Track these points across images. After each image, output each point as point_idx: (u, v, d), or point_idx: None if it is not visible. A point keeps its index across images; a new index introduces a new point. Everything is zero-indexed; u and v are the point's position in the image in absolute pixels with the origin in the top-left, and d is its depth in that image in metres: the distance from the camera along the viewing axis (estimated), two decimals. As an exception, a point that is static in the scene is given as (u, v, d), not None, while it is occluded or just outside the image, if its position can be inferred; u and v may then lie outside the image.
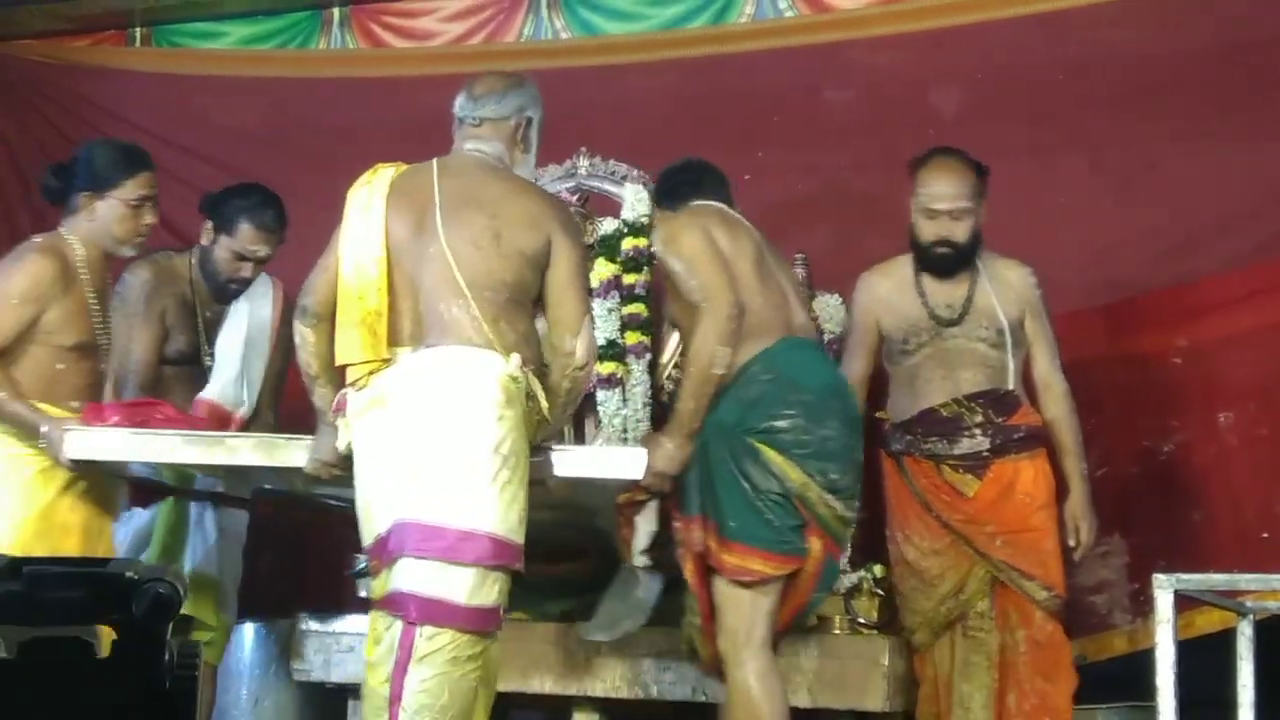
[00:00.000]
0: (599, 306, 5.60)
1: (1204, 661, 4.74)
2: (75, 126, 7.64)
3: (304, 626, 5.59)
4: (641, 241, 5.64)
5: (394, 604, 4.07)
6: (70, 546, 4.57)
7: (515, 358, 4.14)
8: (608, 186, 5.82)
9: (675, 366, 5.77)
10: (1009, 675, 5.05)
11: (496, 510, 4.05)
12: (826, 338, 5.56)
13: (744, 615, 4.53)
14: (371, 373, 4.19)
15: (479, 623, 4.06)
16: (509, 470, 4.08)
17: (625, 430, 5.47)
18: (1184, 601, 4.33)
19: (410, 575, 4.04)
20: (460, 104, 4.48)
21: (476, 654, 4.06)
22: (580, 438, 5.53)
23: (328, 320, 4.29)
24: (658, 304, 5.79)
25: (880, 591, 5.25)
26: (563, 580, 5.27)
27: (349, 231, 4.29)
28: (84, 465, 4.58)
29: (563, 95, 6.83)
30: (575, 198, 5.81)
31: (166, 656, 1.24)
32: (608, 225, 5.71)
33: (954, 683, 5.06)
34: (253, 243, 5.20)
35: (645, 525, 4.69)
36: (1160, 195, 5.43)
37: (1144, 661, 4.63)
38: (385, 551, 4.11)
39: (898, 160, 6.02)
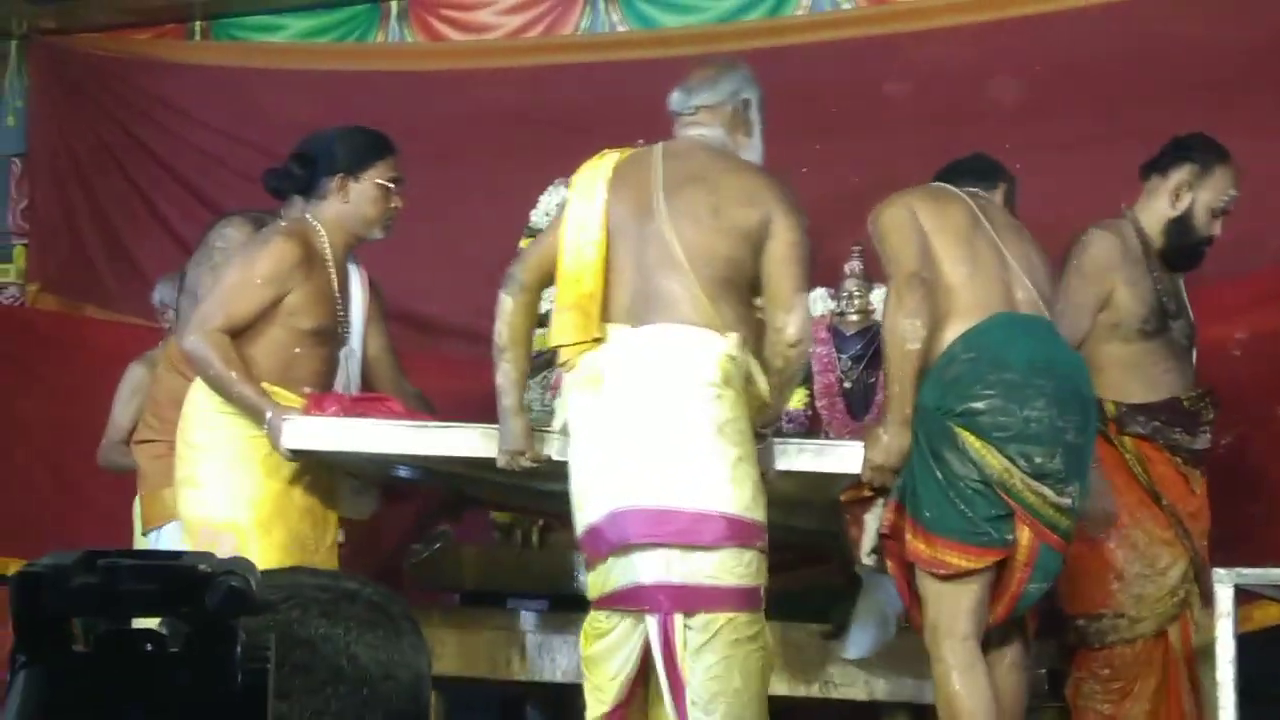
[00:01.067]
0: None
1: (1263, 656, 4.73)
2: (135, 119, 7.72)
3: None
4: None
5: (634, 599, 3.99)
6: (305, 529, 4.59)
7: (734, 336, 4.06)
8: (664, 179, 5.82)
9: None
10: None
11: (729, 488, 3.95)
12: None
13: (944, 610, 4.26)
14: (581, 353, 4.12)
15: (744, 602, 3.97)
16: (737, 447, 3.98)
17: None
18: (1243, 595, 4.31)
19: (650, 565, 3.95)
20: (675, 98, 4.41)
21: (756, 634, 3.99)
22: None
23: (531, 292, 4.28)
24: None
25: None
26: (811, 588, 5.16)
27: (570, 216, 4.24)
28: (302, 455, 4.55)
29: (619, 88, 6.88)
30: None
31: (238, 650, 1.26)
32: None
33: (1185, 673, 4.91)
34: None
35: (875, 523, 4.43)
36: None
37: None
38: (603, 541, 4.02)
39: (955, 152, 6.00)
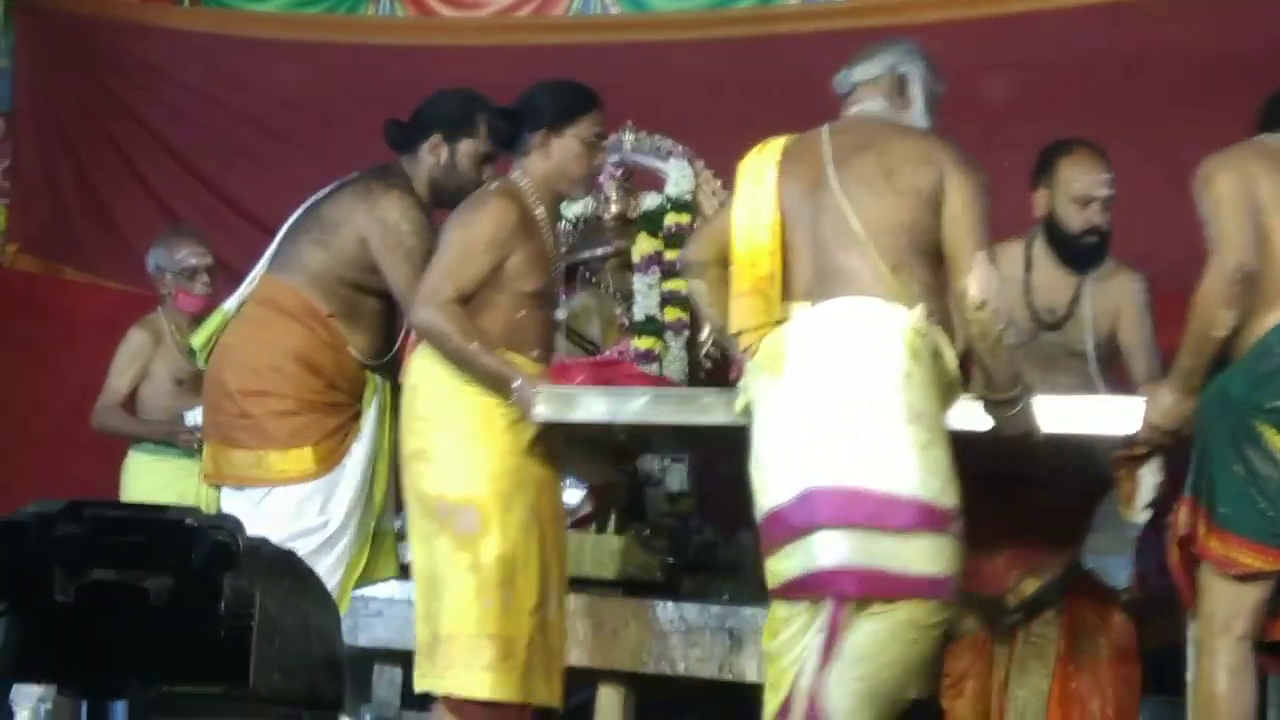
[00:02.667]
0: (639, 282, 5.60)
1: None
2: (121, 82, 7.70)
3: (333, 590, 5.60)
4: (684, 218, 5.64)
5: (813, 585, 3.86)
6: (542, 503, 4.48)
7: (920, 308, 3.92)
8: (652, 162, 5.81)
9: (714, 344, 5.77)
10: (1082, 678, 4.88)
11: (918, 474, 3.82)
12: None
13: (1224, 604, 4.06)
14: (762, 336, 4.01)
15: (932, 590, 3.84)
16: (927, 432, 3.86)
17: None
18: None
19: (832, 548, 3.83)
20: (837, 79, 4.28)
21: (937, 623, 3.87)
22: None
23: (713, 266, 4.17)
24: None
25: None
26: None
27: (740, 201, 4.14)
28: (554, 425, 4.44)
29: (609, 70, 6.85)
30: (620, 172, 5.81)
31: (222, 605, 1.25)
32: (651, 200, 5.71)
33: (1009, 686, 4.92)
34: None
35: (1150, 477, 4.29)
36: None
37: (1175, 655, 4.63)
38: (785, 526, 3.89)
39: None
